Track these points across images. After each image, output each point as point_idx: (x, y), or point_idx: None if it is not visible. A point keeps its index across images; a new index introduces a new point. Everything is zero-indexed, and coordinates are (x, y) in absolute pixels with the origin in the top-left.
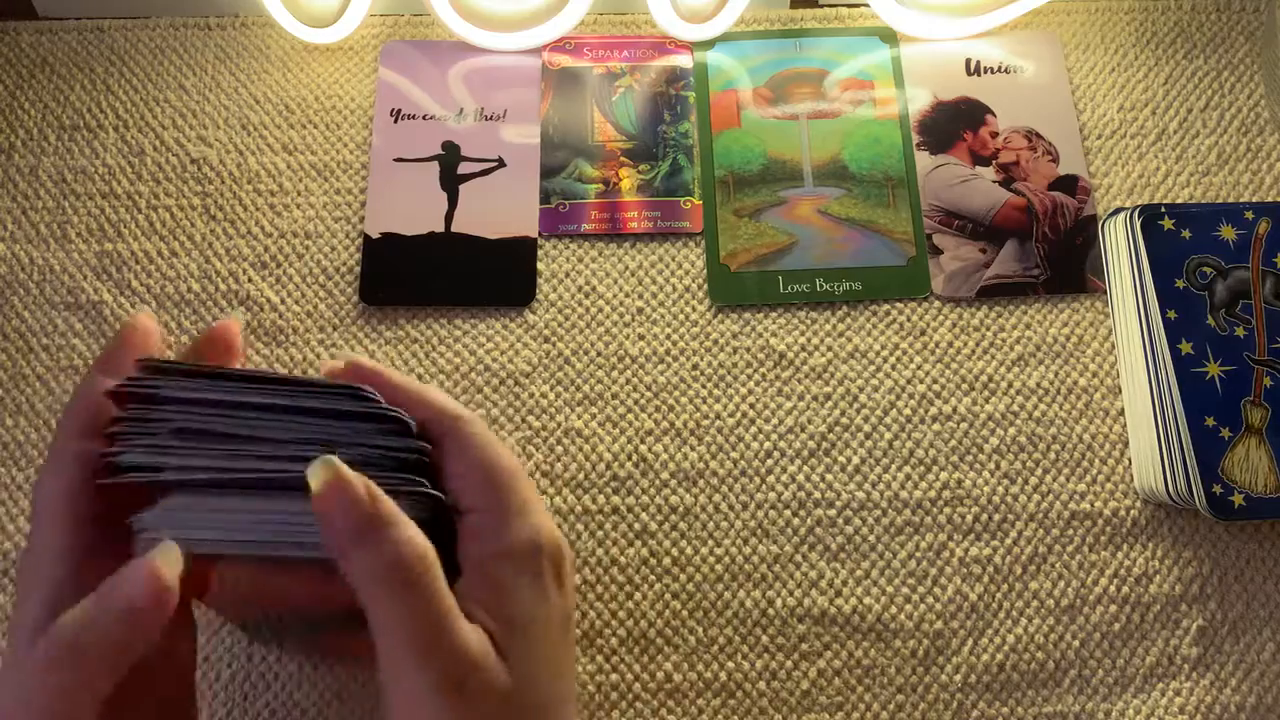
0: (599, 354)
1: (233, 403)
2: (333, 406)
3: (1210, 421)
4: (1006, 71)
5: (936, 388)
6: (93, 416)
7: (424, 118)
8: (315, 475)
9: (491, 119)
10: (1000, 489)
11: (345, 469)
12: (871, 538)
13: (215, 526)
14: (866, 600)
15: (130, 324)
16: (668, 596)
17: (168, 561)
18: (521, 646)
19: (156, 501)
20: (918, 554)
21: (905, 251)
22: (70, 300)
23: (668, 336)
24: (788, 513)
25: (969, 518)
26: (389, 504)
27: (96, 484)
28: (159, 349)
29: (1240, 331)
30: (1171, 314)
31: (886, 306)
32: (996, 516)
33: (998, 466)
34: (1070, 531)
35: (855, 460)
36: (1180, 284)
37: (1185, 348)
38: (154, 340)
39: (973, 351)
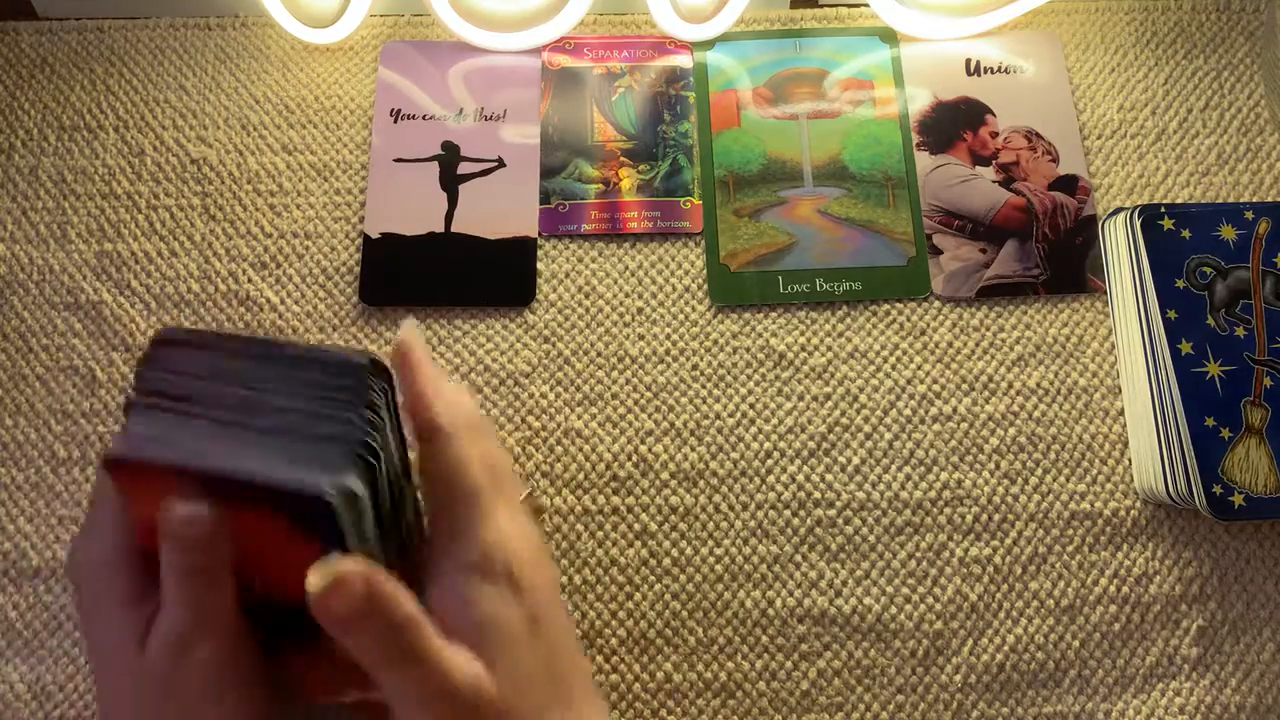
0: (599, 354)
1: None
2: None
3: (1210, 421)
4: (1006, 71)
5: (936, 388)
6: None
7: (424, 118)
8: (314, 579)
9: (491, 119)
10: (1000, 489)
11: (342, 566)
12: (871, 538)
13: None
14: (866, 600)
15: None
16: (668, 597)
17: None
18: (497, 654)
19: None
20: (918, 554)
21: (905, 251)
22: (70, 300)
23: (668, 336)
24: (788, 513)
25: (969, 518)
26: (381, 582)
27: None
28: None
29: (1240, 331)
30: (1171, 314)
31: (886, 306)
32: (996, 516)
33: (998, 466)
34: (1070, 531)
35: (855, 460)
36: (1180, 284)
37: (1185, 348)
38: None
39: (973, 351)
